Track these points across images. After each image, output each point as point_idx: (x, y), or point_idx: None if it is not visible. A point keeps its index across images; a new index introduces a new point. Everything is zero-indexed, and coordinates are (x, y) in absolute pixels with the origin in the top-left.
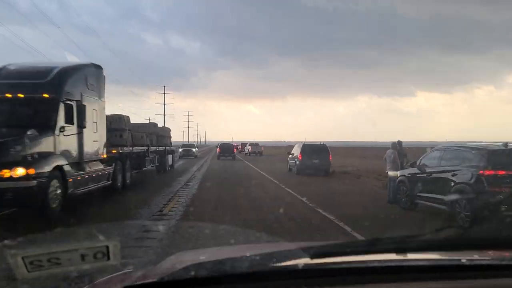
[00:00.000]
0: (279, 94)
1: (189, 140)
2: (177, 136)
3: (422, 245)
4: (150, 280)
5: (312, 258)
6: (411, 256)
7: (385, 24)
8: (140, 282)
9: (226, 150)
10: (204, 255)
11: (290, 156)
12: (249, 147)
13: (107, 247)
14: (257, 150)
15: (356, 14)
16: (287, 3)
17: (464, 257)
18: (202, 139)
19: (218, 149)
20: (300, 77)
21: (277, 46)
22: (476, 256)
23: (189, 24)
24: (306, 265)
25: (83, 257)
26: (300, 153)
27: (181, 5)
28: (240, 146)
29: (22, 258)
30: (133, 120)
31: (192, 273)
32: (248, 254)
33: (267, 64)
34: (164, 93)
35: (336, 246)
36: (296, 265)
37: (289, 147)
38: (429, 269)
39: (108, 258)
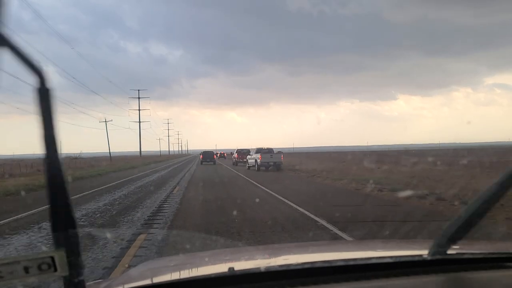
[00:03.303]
0: (262, 101)
1: (169, 150)
2: (153, 145)
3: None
4: None
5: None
6: (374, 254)
7: (369, 29)
8: None
9: (208, 156)
10: (173, 262)
11: None
12: (257, 155)
13: (52, 258)
14: (273, 161)
15: (340, 20)
16: (271, 8)
17: (424, 252)
18: (184, 148)
19: (201, 156)
20: (283, 83)
21: (260, 53)
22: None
23: (170, 32)
24: (268, 267)
25: (26, 269)
26: None
27: (162, 13)
28: (236, 155)
29: None
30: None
31: (153, 280)
32: (214, 260)
33: (251, 71)
34: (139, 98)
35: None
36: (258, 268)
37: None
38: (393, 265)
39: (55, 269)
